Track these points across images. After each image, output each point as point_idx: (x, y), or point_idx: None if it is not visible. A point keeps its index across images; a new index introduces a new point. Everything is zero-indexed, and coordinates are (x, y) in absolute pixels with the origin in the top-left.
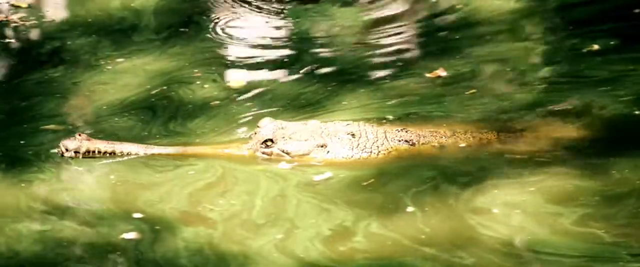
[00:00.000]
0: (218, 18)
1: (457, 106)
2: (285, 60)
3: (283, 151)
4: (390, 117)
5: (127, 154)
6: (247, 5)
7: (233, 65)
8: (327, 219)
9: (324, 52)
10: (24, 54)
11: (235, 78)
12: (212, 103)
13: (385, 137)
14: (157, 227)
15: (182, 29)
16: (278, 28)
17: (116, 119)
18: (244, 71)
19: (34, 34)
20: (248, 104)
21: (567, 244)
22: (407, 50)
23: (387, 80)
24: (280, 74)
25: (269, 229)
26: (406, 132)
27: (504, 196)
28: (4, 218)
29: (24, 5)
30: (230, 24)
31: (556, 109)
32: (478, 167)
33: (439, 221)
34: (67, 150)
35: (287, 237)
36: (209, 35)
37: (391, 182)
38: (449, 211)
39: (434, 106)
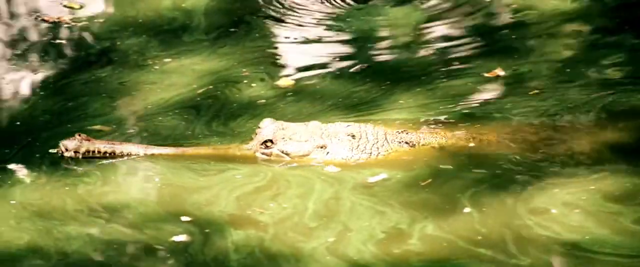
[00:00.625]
0: (268, 18)
1: (517, 106)
2: (337, 59)
3: (282, 152)
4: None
5: (127, 154)
6: (298, 5)
7: (282, 64)
8: (381, 222)
9: (376, 51)
10: (73, 54)
11: (284, 77)
12: (258, 102)
13: (386, 138)
14: (207, 230)
15: (232, 29)
16: (329, 27)
17: (160, 118)
18: (293, 70)
19: (85, 35)
20: (296, 102)
21: (628, 244)
22: (462, 49)
23: (444, 80)
24: (331, 73)
25: (322, 232)
26: (406, 133)
27: (563, 195)
28: (52, 221)
29: (77, 6)
30: (280, 23)
31: (615, 108)
32: (536, 167)
33: (496, 222)
34: (66, 150)
35: (339, 240)
36: (258, 35)
37: (449, 182)
38: (507, 211)
39: (494, 106)
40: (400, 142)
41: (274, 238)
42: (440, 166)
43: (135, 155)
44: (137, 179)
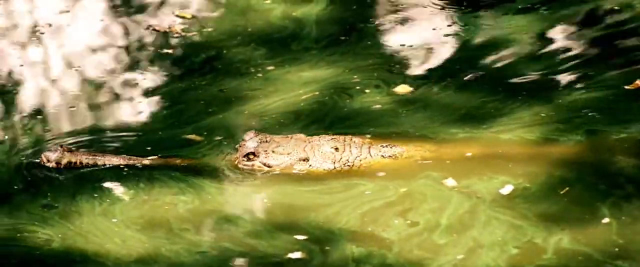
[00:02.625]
0: (382, 25)
1: None
2: (457, 67)
3: (264, 164)
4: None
5: (109, 166)
6: (413, 13)
7: (398, 71)
8: (516, 236)
9: (500, 60)
10: (177, 63)
11: (402, 84)
12: (373, 107)
13: (369, 152)
14: (327, 248)
15: (342, 37)
16: (446, 35)
17: (253, 123)
18: (410, 77)
19: (192, 44)
20: (422, 110)
21: None
22: (590, 59)
23: (582, 91)
24: (452, 81)
25: (451, 249)
26: (390, 147)
27: None
28: (158, 239)
29: (188, 16)
30: (395, 31)
31: None
32: None
33: (634, 232)
34: (48, 161)
35: (468, 257)
36: (371, 43)
37: (589, 190)
38: None
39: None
40: (383, 156)
41: (398, 255)
42: (577, 174)
43: (117, 166)
44: (237, 197)
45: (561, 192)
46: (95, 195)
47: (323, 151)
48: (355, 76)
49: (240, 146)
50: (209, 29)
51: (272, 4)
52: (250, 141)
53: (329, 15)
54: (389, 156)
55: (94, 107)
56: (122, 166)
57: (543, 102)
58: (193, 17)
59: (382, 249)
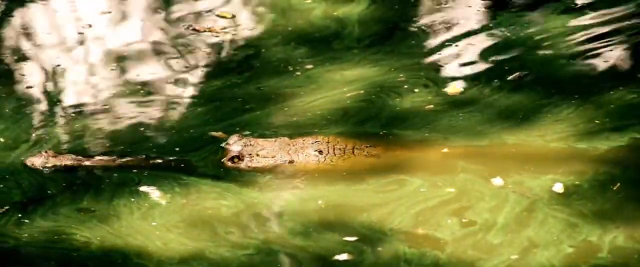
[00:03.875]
0: (426, 25)
1: None
2: (505, 68)
3: (250, 167)
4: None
5: (93, 167)
6: (457, 12)
7: (445, 71)
8: (571, 235)
9: (544, 61)
10: (215, 61)
11: (452, 84)
12: (426, 108)
13: (353, 152)
14: (379, 249)
15: (386, 37)
16: (492, 34)
17: (294, 118)
18: (458, 77)
19: (231, 43)
20: (478, 113)
21: None
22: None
23: (626, 95)
24: (503, 82)
25: (505, 249)
26: (374, 147)
27: None
28: (203, 242)
29: (229, 15)
30: (439, 31)
31: None
32: None
33: None
34: (33, 165)
35: (522, 258)
36: (415, 42)
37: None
38: None
39: None
40: (366, 155)
41: (451, 256)
42: (622, 171)
43: (101, 168)
44: (283, 200)
45: (614, 188)
46: (133, 199)
47: (307, 154)
48: (401, 75)
49: (225, 149)
50: (249, 29)
51: (313, 3)
52: (235, 145)
53: (371, 14)
54: (372, 155)
55: (130, 106)
56: (105, 167)
57: (607, 107)
58: (233, 16)
59: (435, 250)
